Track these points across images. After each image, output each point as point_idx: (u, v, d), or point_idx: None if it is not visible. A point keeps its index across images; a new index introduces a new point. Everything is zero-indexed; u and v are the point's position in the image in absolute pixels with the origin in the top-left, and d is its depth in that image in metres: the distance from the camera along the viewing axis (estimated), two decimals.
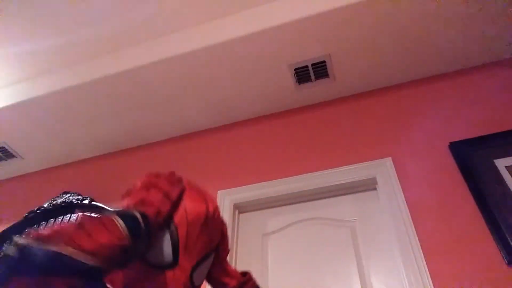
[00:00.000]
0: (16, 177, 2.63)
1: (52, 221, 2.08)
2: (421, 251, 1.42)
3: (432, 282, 1.34)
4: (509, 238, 1.33)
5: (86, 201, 2.08)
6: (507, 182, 1.49)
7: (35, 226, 2.11)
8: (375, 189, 1.73)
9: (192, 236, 0.64)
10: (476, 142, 1.64)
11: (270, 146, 2.06)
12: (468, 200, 1.51)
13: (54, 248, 0.45)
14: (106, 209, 1.97)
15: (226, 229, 0.78)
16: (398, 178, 1.66)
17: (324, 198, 1.80)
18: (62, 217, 2.09)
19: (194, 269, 0.64)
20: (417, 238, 1.46)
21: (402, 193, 1.61)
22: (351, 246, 1.60)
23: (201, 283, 0.69)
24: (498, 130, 1.65)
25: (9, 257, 0.44)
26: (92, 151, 2.48)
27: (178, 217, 0.65)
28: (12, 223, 2.16)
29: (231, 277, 0.79)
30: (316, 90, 2.10)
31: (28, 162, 2.53)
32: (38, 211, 2.15)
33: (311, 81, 2.04)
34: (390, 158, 1.75)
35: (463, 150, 1.63)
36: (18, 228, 2.13)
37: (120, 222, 0.53)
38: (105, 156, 2.48)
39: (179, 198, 0.69)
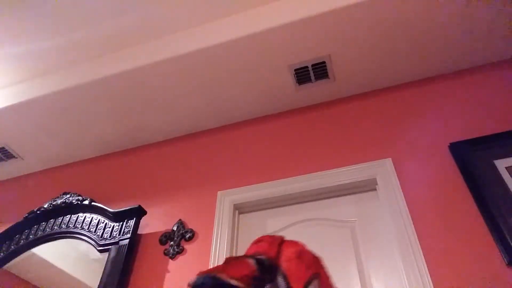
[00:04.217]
0: (16, 177, 2.63)
1: (52, 222, 2.09)
2: (421, 251, 1.42)
3: (432, 282, 1.34)
4: (509, 239, 1.33)
5: (86, 202, 2.08)
6: (507, 183, 1.48)
7: (35, 226, 2.11)
8: (375, 189, 1.73)
9: (293, 268, 0.92)
10: (476, 143, 1.63)
11: (270, 147, 2.06)
12: (468, 201, 1.51)
13: (215, 274, 0.78)
14: (106, 209, 1.98)
15: (321, 261, 1.04)
16: (398, 178, 1.67)
17: (324, 198, 1.80)
18: (62, 217, 2.09)
19: None
20: (417, 238, 1.46)
21: (402, 194, 1.61)
22: (351, 246, 1.60)
23: None
24: (498, 131, 1.65)
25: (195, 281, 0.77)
26: (92, 151, 2.48)
27: (281, 259, 0.93)
28: (12, 224, 2.16)
29: None
30: (316, 90, 2.10)
31: (28, 163, 2.54)
32: (38, 212, 2.15)
33: (311, 81, 2.05)
34: (390, 158, 1.75)
35: (463, 151, 1.63)
36: (18, 228, 2.13)
37: (251, 260, 0.86)
38: (105, 156, 2.48)
39: (280, 245, 0.97)
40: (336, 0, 1.74)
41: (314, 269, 0.96)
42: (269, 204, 1.86)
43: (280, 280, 0.90)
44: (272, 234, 1.09)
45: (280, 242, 0.99)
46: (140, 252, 1.86)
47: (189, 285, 0.78)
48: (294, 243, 1.01)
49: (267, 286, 0.90)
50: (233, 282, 0.78)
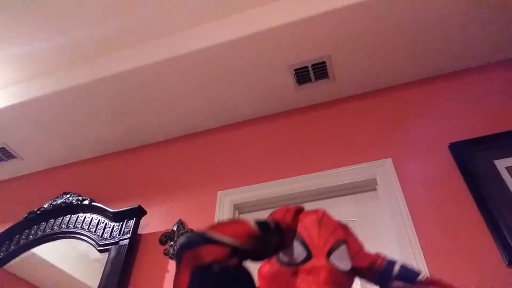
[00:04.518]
0: (16, 177, 2.63)
1: (52, 222, 2.08)
2: (421, 251, 1.42)
3: None
4: (509, 238, 1.33)
5: (86, 202, 2.08)
6: (507, 183, 1.48)
7: (35, 226, 2.11)
8: (375, 189, 1.73)
9: (313, 234, 0.85)
10: (476, 143, 1.63)
11: (270, 147, 2.06)
12: (468, 201, 1.51)
13: (204, 232, 0.71)
14: (106, 209, 1.97)
15: (349, 228, 1.01)
16: (398, 178, 1.66)
17: (324, 198, 1.80)
18: (62, 217, 2.09)
19: (328, 255, 0.82)
20: (417, 238, 1.46)
21: (402, 194, 1.60)
22: None
23: (348, 267, 0.87)
24: (498, 131, 1.65)
25: (185, 237, 0.71)
26: (92, 151, 2.48)
27: (299, 228, 0.87)
28: (12, 224, 2.16)
29: (362, 260, 0.96)
30: (316, 90, 2.10)
31: (28, 163, 2.53)
32: (38, 212, 2.15)
33: (311, 81, 2.04)
34: (390, 158, 1.75)
35: (463, 151, 1.63)
36: (18, 228, 2.13)
37: (252, 222, 0.77)
38: (105, 156, 2.48)
39: (297, 213, 0.90)
40: (336, 0, 1.74)
41: (340, 235, 0.89)
42: (269, 204, 1.85)
43: (298, 246, 0.82)
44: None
45: (296, 210, 0.92)
46: (140, 252, 1.86)
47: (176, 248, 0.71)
48: (314, 211, 0.95)
49: (280, 253, 0.83)
50: (225, 239, 0.70)
